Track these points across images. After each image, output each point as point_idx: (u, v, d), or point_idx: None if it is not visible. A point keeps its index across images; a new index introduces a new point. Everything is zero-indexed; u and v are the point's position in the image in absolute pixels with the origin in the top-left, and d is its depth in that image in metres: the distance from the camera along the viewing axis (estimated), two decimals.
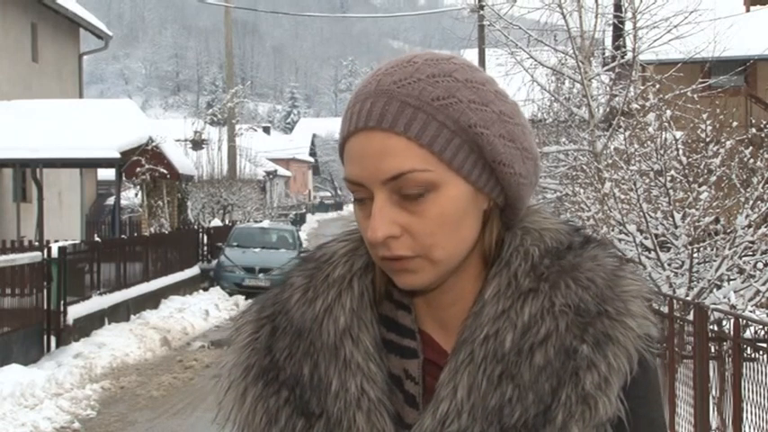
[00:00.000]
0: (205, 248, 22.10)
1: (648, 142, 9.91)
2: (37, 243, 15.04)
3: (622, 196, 9.42)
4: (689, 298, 8.11)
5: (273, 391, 1.14)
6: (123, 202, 22.14)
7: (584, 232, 1.16)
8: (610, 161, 11.91)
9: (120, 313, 14.32)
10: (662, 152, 9.29)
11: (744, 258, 8.76)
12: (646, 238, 9.13)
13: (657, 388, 1.13)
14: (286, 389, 1.13)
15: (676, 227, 9.03)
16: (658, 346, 1.13)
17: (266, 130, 75.22)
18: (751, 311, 8.30)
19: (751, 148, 10.02)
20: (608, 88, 14.91)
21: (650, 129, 9.92)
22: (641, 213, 8.93)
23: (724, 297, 8.44)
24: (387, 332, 1.14)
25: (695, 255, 8.76)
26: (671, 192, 9.03)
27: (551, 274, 1.08)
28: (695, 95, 11.78)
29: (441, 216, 1.05)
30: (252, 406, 1.14)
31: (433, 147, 1.04)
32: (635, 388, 1.08)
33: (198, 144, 30.68)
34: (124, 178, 19.03)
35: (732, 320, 6.00)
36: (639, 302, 1.10)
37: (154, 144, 18.26)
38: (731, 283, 9.03)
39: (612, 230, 9.44)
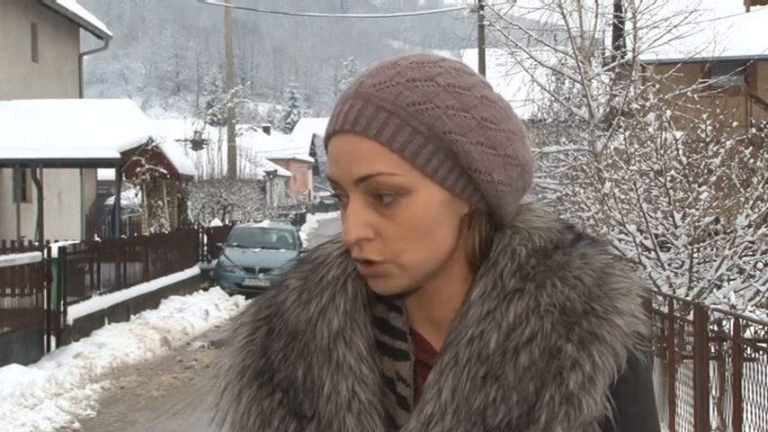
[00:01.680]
0: (205, 248, 22.09)
1: (648, 142, 9.91)
2: (37, 243, 15.03)
3: (622, 196, 9.42)
4: (689, 298, 8.11)
5: (268, 393, 1.14)
6: (123, 202, 22.13)
7: (576, 230, 1.14)
8: (610, 161, 11.91)
9: (120, 313, 14.32)
10: (662, 152, 9.28)
11: (744, 258, 8.76)
12: (646, 238, 9.13)
13: (648, 386, 1.11)
14: (280, 391, 1.13)
15: (676, 227, 9.03)
16: (650, 345, 1.12)
17: (266, 130, 75.24)
18: (751, 311, 8.30)
19: (751, 148, 10.02)
20: (608, 88, 14.91)
21: (650, 129, 9.92)
22: (641, 213, 8.93)
23: (724, 297, 8.44)
24: (380, 334, 1.14)
25: (695, 255, 8.76)
26: (671, 192, 9.03)
27: (537, 273, 1.08)
28: (695, 95, 11.78)
29: (411, 221, 1.05)
30: (246, 408, 1.14)
31: (404, 152, 1.03)
32: (624, 386, 1.07)
33: (198, 144, 30.68)
34: (124, 178, 19.03)
35: (732, 320, 6.01)
36: (628, 300, 1.09)
37: (154, 144, 18.26)
38: (731, 283, 9.03)
39: (612, 230, 9.44)
